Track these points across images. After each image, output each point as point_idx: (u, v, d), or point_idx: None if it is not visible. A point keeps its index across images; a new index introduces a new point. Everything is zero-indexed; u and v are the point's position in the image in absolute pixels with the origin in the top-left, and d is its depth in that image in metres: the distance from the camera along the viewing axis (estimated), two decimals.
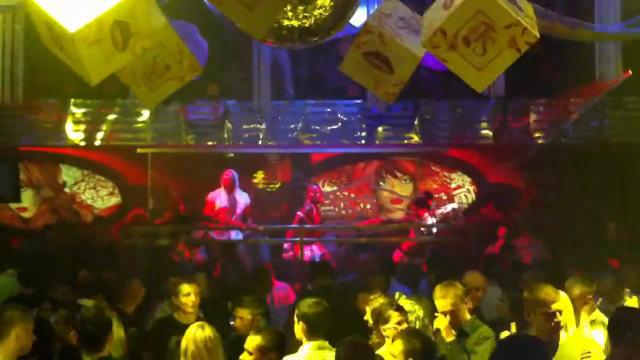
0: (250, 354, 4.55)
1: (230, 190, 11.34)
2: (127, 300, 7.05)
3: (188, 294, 6.36)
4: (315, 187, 11.85)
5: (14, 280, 7.87)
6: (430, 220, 11.54)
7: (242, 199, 11.46)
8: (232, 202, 11.32)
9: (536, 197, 13.01)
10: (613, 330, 4.41)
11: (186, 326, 5.61)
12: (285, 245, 11.58)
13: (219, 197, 11.35)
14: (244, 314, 5.92)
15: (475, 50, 4.67)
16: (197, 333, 4.87)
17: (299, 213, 11.51)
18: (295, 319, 5.01)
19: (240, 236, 11.36)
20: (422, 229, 11.55)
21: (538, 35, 4.68)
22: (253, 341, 4.58)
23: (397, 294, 6.38)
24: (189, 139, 11.70)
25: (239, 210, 11.34)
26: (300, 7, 5.50)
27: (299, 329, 4.97)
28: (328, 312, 5.02)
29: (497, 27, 4.60)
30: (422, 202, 11.60)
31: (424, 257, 11.13)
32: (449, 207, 11.83)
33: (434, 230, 11.60)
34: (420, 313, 6.23)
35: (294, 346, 5.07)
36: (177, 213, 11.44)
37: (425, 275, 8.79)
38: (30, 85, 10.71)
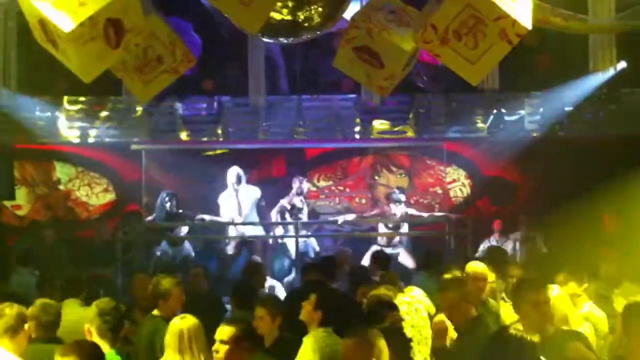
0: (225, 343, 4.47)
1: (236, 188, 11.32)
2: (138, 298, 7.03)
3: (181, 296, 5.90)
4: (300, 178, 11.72)
5: None
6: (399, 216, 11.36)
7: (251, 194, 11.42)
8: (240, 199, 11.29)
9: (531, 191, 13.02)
10: (624, 322, 4.47)
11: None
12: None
13: (227, 197, 11.32)
14: (264, 314, 5.85)
15: (467, 44, 4.68)
16: (174, 325, 4.69)
17: (281, 201, 11.42)
18: (314, 306, 5.35)
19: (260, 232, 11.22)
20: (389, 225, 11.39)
21: (530, 27, 4.68)
22: (227, 331, 4.50)
23: (397, 288, 6.41)
24: (184, 135, 11.70)
25: (249, 206, 11.30)
26: (293, 2, 5.50)
27: (313, 316, 5.32)
28: (342, 304, 5.49)
29: (486, 20, 4.61)
30: (394, 198, 11.38)
31: (400, 246, 11.12)
32: (426, 215, 11.65)
33: (405, 225, 11.42)
34: (419, 305, 6.24)
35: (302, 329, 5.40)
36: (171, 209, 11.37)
37: (418, 270, 8.77)
38: (24, 82, 10.68)
